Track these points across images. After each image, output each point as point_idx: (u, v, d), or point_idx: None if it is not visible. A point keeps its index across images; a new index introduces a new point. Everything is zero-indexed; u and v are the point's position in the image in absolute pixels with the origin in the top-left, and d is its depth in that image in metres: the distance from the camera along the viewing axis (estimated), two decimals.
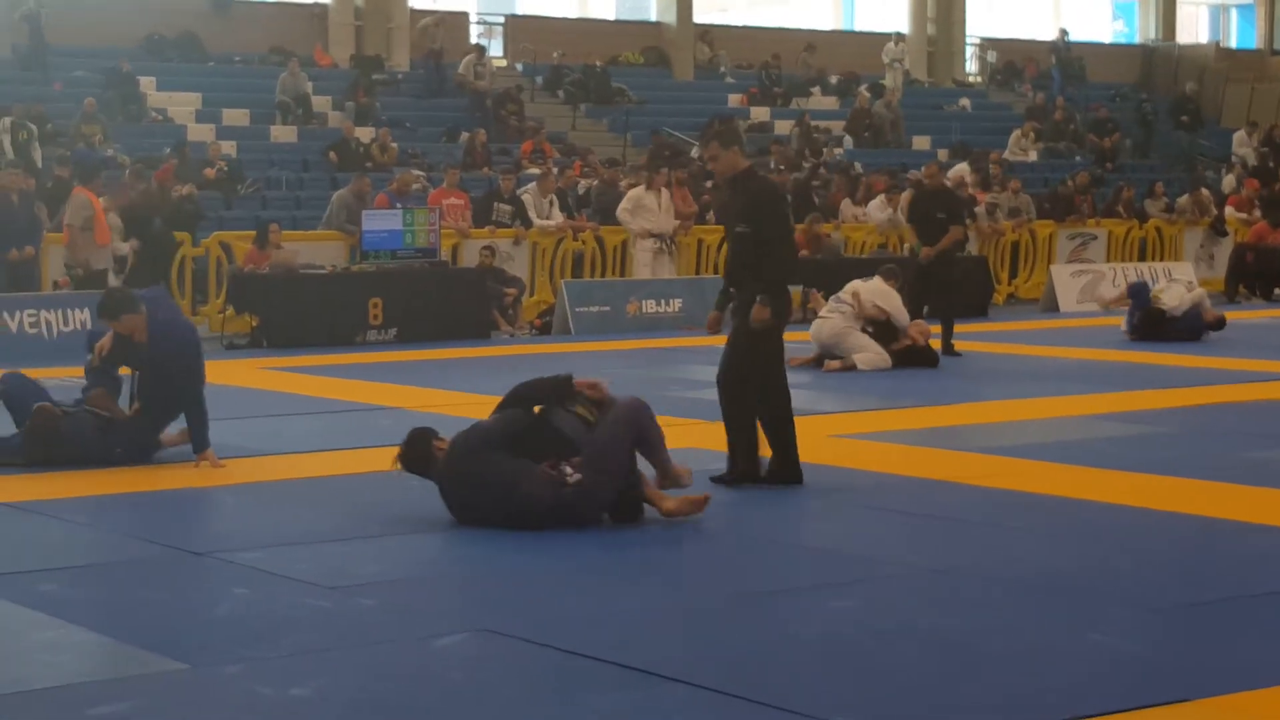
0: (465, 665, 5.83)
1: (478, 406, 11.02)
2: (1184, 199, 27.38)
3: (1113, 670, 5.73)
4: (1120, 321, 18.49)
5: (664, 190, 20.84)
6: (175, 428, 10.37)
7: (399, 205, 19.47)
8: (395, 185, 20.74)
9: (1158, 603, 6.63)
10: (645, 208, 20.73)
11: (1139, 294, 18.43)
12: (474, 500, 7.99)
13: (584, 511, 7.96)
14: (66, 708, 5.32)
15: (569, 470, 7.90)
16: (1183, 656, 5.92)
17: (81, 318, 16.51)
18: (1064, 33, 38.00)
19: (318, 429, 11.70)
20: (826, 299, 16.13)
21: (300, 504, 8.87)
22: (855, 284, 15.66)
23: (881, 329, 15.43)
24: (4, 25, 27.69)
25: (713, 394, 13.41)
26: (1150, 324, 17.86)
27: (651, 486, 8.26)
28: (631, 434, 8.09)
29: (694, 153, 27.92)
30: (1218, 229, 26.96)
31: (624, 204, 20.89)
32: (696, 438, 10.58)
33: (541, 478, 7.88)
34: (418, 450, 8.19)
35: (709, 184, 24.74)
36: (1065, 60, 36.72)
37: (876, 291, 15.52)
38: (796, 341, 16.65)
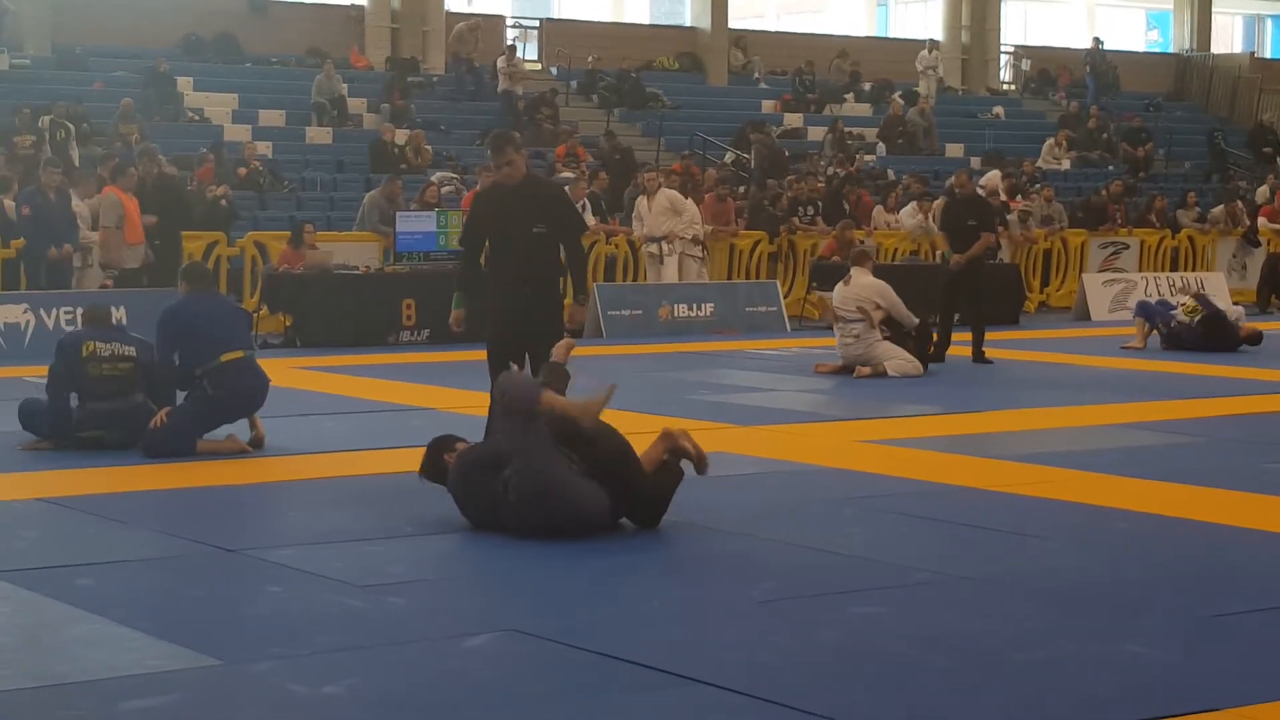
0: (495, 665, 5.88)
1: None
2: (1217, 209, 27.32)
3: (1142, 679, 5.75)
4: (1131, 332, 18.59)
5: (661, 193, 20.68)
6: (223, 432, 10.54)
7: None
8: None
9: (1187, 612, 6.64)
10: (638, 213, 20.78)
11: (1153, 310, 18.51)
12: (469, 509, 8.06)
13: (528, 518, 7.79)
14: (101, 701, 5.38)
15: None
16: (1212, 666, 5.93)
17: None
18: (1098, 41, 37.93)
19: (350, 429, 11.78)
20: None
21: (332, 503, 8.93)
22: (840, 290, 15.48)
23: (899, 330, 15.36)
24: (43, 25, 27.93)
25: (744, 398, 13.52)
26: (1214, 329, 17.86)
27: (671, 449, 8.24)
28: (509, 425, 7.89)
29: (727, 158, 28.02)
30: (1250, 239, 26.88)
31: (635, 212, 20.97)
32: (726, 442, 10.61)
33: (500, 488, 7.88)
34: (433, 460, 8.30)
35: (742, 189, 24.83)
36: (1100, 69, 36.65)
37: (871, 289, 15.39)
38: (822, 348, 16.71)
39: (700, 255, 21.18)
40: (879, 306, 15.25)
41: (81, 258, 17.52)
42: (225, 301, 11.62)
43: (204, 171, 21.41)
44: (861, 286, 15.33)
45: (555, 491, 7.80)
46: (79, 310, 11.41)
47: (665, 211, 20.61)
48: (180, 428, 10.32)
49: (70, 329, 11.28)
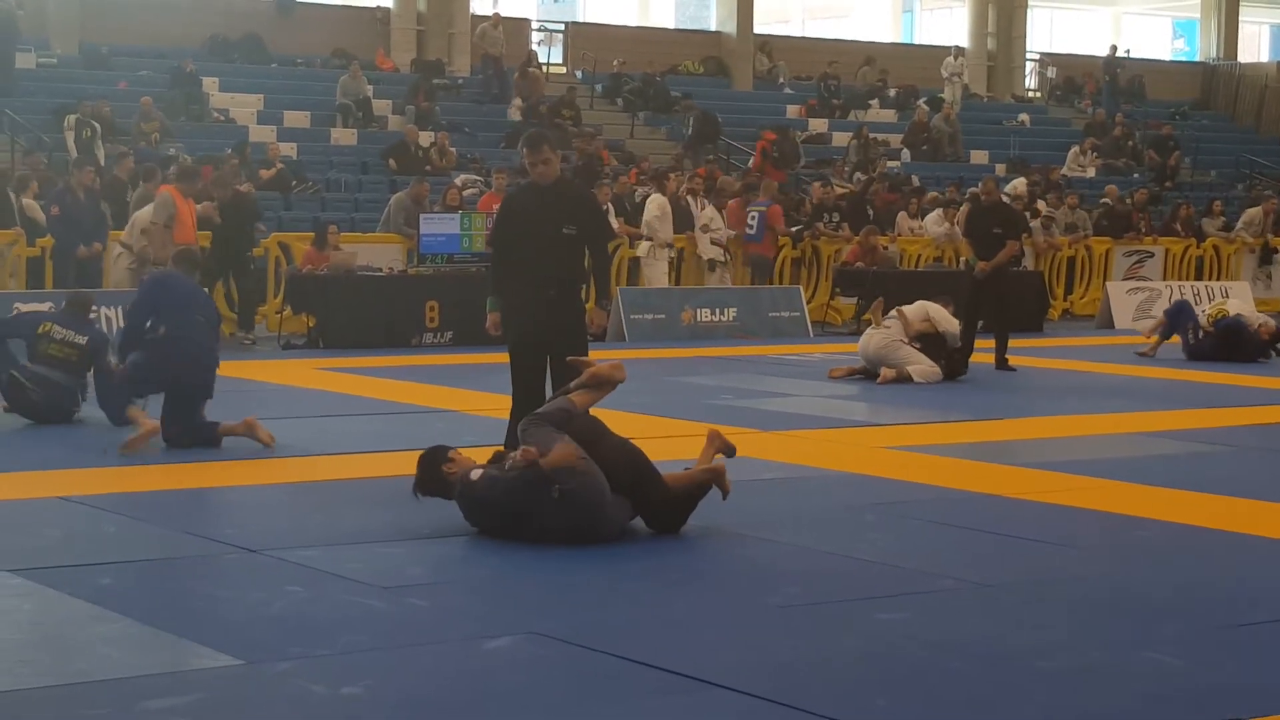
0: (515, 667, 5.87)
1: None
2: (1253, 209, 27.21)
3: (1165, 688, 5.73)
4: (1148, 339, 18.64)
5: (657, 198, 20.73)
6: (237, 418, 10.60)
7: None
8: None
9: (1212, 622, 6.62)
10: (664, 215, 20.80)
11: (1183, 312, 18.52)
12: (488, 521, 8.03)
13: (579, 516, 7.80)
14: (122, 700, 5.38)
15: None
16: (1236, 675, 5.91)
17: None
18: (1114, 49, 37.83)
19: (372, 430, 11.78)
20: (885, 311, 16.04)
21: (354, 504, 8.93)
22: (908, 307, 15.65)
23: (930, 344, 15.38)
24: (71, 24, 28.03)
25: (767, 403, 13.50)
26: (1233, 335, 17.84)
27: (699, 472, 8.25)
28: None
29: (751, 163, 27.98)
30: (1264, 255, 26.79)
31: (653, 210, 20.82)
32: (749, 447, 10.58)
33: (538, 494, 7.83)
34: (430, 475, 8.23)
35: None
36: (1116, 77, 36.53)
37: (933, 308, 15.51)
38: (840, 353, 16.69)
39: (724, 260, 21.19)
40: (927, 318, 15.28)
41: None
42: (198, 288, 11.77)
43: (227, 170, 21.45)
44: (922, 305, 15.54)
45: (607, 507, 7.83)
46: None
47: (665, 217, 20.74)
48: (135, 375, 10.81)
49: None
